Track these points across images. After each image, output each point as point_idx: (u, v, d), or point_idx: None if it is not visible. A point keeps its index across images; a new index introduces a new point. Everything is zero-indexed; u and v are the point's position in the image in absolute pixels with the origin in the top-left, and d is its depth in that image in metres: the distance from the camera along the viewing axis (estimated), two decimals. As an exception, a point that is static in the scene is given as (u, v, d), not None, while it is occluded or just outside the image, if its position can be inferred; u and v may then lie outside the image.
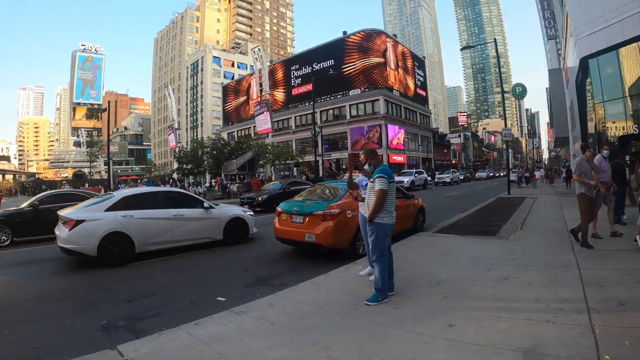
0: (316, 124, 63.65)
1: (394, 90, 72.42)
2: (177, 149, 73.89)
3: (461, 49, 37.49)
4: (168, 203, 11.28)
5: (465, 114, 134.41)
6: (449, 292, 6.43)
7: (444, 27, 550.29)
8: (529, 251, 9.18)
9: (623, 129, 35.26)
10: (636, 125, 31.75)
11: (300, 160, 60.50)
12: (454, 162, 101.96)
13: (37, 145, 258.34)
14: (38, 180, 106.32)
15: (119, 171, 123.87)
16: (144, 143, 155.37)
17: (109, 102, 53.03)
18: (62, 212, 10.36)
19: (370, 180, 6.37)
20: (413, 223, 12.45)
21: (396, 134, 71.09)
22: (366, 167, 6.89)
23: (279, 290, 6.99)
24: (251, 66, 63.80)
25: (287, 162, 58.00)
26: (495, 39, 31.30)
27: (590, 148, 9.90)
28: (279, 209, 10.54)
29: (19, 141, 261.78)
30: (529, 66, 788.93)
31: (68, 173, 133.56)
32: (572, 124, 59.08)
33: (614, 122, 35.98)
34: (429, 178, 51.22)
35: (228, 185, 44.75)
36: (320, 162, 67.42)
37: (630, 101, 33.71)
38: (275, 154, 54.19)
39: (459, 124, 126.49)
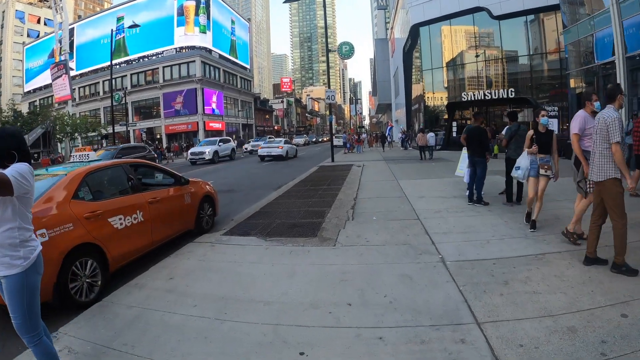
0: (125, 90, 56.57)
1: (212, 52, 66.64)
2: None
3: (285, 2, 34.11)
4: None
5: (289, 79, 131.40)
6: None
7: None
8: (375, 275, 5.19)
9: (441, 99, 35.06)
10: (488, 91, 30.98)
11: (105, 132, 52.26)
12: (276, 127, 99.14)
13: None
14: None
15: None
16: None
17: None
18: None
19: None
20: (194, 221, 8.05)
21: (214, 99, 65.63)
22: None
23: None
24: (60, 23, 53.87)
25: (91, 134, 49.40)
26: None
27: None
28: None
29: None
30: (355, 39, 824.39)
31: None
32: (395, 92, 59.71)
33: (433, 92, 35.59)
34: (246, 146, 47.81)
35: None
36: (131, 132, 60.78)
37: (458, 70, 33.41)
38: (74, 126, 45.49)
39: (282, 90, 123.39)
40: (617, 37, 16.13)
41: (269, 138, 48.38)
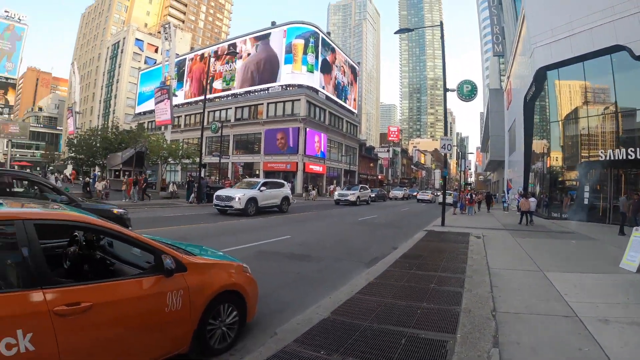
0: (222, 122, 55.56)
1: (319, 92, 64.60)
2: (73, 135, 66.63)
3: (396, 32, 30.95)
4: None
5: (397, 128, 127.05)
6: None
7: (386, 44, 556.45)
8: None
9: (570, 157, 29.54)
10: (632, 149, 24.96)
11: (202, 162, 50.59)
12: (380, 177, 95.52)
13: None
14: None
15: (17, 155, 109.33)
16: (58, 127, 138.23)
17: None
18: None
19: None
20: (189, 337, 4.18)
21: (317, 141, 62.83)
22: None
23: None
24: (167, 51, 55.33)
25: (185, 161, 48.04)
26: (441, 22, 24.01)
27: None
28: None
29: None
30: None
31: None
32: (509, 148, 54.04)
33: (561, 149, 30.19)
34: (335, 195, 41.59)
35: (90, 182, 35.45)
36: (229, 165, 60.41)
37: (593, 122, 27.83)
38: (169, 151, 44.21)
39: (389, 138, 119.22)
40: None
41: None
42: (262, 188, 24.75)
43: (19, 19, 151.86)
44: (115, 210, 10.61)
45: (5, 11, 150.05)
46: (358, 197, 39.84)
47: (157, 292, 3.87)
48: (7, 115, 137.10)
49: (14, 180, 9.34)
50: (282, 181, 29.83)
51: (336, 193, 42.63)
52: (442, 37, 22.32)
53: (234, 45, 68.02)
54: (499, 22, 62.42)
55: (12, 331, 2.87)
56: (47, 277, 3.27)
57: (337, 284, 7.96)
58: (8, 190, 9.08)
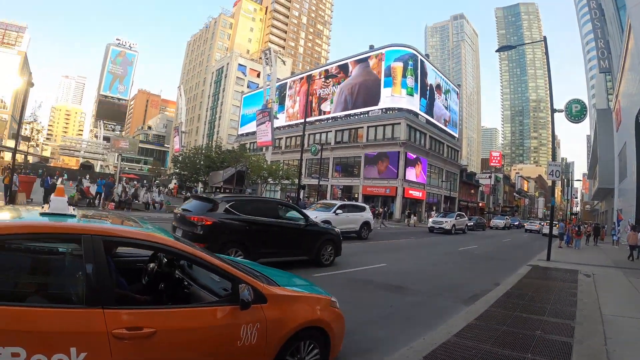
0: (329, 144, 56.45)
1: (419, 116, 63.58)
2: (178, 153, 71.29)
3: (497, 50, 29.60)
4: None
5: (499, 153, 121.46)
6: None
7: (485, 66, 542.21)
8: None
9: None
10: None
11: (288, 182, 51.78)
12: (480, 204, 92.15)
13: (65, 132, 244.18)
14: (39, 164, 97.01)
15: (127, 168, 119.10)
16: (165, 145, 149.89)
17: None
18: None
19: None
20: None
21: (417, 165, 61.51)
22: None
23: None
24: (268, 75, 57.98)
25: (284, 182, 49.41)
26: (545, 37, 22.49)
27: None
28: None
29: (49, 125, 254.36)
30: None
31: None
32: (619, 175, 49.30)
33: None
34: (429, 221, 39.68)
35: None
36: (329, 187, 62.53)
37: None
38: (269, 171, 45.95)
39: (491, 164, 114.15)
40: None
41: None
42: (339, 211, 22.72)
43: (129, 46, 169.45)
44: (337, 229, 13.80)
45: (117, 39, 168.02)
46: (454, 225, 37.63)
47: (230, 324, 3.61)
48: (118, 132, 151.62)
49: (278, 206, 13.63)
50: (363, 205, 28.03)
51: (430, 220, 40.57)
52: (546, 52, 21.17)
53: (343, 67, 69.35)
54: (604, 35, 58.21)
55: (65, 348, 2.81)
56: (110, 296, 3.17)
57: (431, 323, 7.30)
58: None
